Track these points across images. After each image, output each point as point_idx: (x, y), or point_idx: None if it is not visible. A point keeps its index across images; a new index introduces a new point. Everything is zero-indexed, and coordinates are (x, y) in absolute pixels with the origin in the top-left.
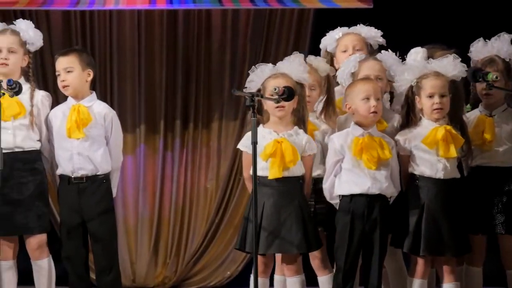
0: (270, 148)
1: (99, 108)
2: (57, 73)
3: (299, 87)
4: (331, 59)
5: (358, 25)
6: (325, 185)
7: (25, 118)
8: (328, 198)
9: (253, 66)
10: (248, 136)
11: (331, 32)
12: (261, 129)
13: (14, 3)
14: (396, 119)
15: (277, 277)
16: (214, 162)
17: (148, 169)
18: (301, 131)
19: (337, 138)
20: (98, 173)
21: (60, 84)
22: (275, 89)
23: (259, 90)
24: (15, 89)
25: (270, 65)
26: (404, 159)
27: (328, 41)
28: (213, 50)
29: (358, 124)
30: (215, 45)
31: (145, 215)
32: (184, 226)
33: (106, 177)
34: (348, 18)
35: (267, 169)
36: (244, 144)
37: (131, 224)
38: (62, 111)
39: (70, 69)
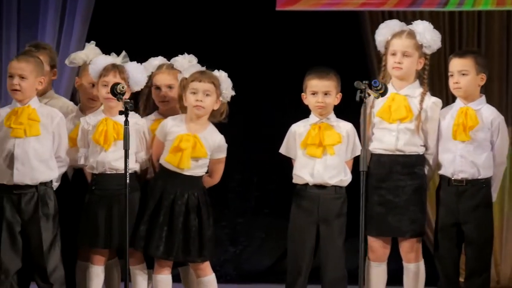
0: None
1: (487, 113)
2: (450, 74)
3: None
4: None
5: None
6: None
7: (411, 122)
8: None
9: None
10: None
11: None
12: None
13: (382, 4)
14: None
15: None
16: None
17: None
18: None
19: None
20: (479, 177)
21: (453, 85)
22: None
23: None
24: (381, 90)
25: None
26: None
27: None
28: None
29: None
30: None
31: (510, 216)
32: None
33: (487, 182)
34: None
35: None
36: None
37: (495, 226)
38: (450, 113)
39: (465, 72)
